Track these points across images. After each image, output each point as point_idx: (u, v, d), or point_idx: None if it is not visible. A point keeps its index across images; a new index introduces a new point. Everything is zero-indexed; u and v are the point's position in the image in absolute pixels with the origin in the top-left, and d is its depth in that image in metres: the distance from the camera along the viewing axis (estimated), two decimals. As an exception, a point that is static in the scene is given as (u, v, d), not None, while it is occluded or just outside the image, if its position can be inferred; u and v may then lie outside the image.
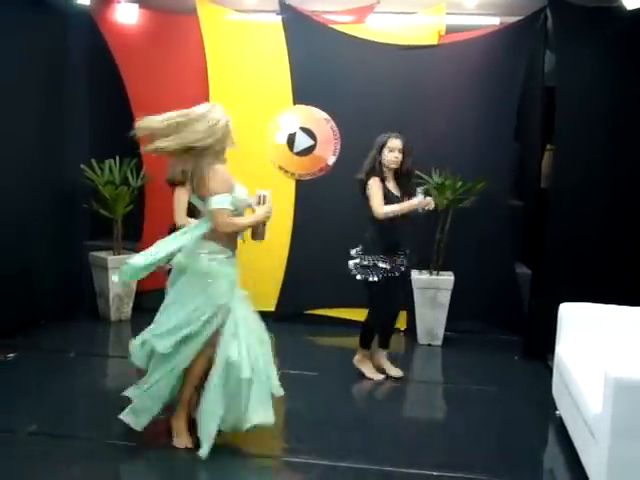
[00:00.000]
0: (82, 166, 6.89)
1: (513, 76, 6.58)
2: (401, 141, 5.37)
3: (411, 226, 5.49)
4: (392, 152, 5.35)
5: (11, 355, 5.86)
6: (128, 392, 4.32)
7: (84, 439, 4.37)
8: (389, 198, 5.35)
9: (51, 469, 3.98)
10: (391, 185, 5.43)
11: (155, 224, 6.60)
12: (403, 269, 5.48)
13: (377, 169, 5.36)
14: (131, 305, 7.08)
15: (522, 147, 7.22)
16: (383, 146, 5.37)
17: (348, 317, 6.69)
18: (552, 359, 5.09)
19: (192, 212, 5.02)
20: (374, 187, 5.32)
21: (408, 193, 5.42)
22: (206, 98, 6.97)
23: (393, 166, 5.38)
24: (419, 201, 5.31)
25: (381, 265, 5.33)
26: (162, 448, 4.22)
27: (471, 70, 6.70)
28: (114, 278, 4.51)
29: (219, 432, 4.13)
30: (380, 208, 5.27)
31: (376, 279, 5.34)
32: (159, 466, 4.17)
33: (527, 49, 6.57)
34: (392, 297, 5.51)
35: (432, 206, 5.40)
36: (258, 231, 4.37)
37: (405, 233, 5.45)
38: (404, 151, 5.37)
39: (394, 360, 5.78)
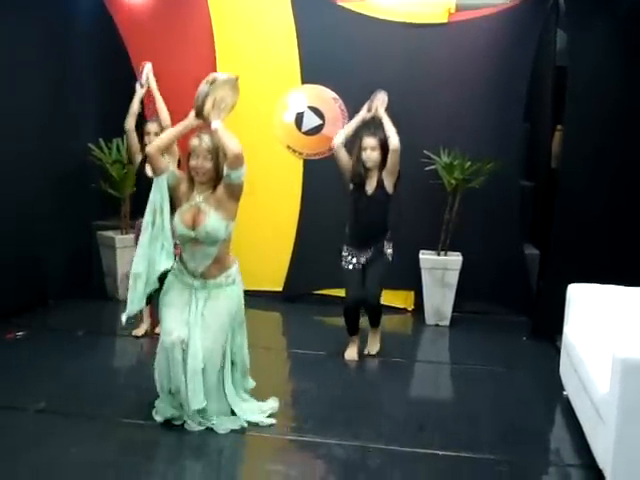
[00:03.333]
0: (90, 145, 6.89)
1: (524, 55, 6.51)
2: (374, 138, 5.32)
3: (381, 227, 5.46)
4: (364, 151, 5.34)
5: (20, 334, 5.89)
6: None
7: (92, 417, 4.39)
8: (361, 202, 5.38)
9: (59, 447, 3.99)
10: (370, 184, 5.40)
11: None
12: (361, 265, 5.46)
13: (358, 170, 5.38)
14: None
15: (532, 127, 7.18)
16: (359, 145, 5.38)
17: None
18: (560, 340, 5.09)
19: None
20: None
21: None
22: (214, 76, 6.96)
23: (368, 165, 5.36)
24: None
25: (344, 254, 5.50)
26: (170, 426, 4.24)
27: (481, 49, 6.64)
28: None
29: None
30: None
31: (343, 266, 5.50)
32: (167, 443, 4.19)
33: (538, 28, 6.50)
34: (352, 285, 5.49)
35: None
36: None
37: (367, 231, 5.42)
38: (381, 148, 5.32)
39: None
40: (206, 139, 4.11)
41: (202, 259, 4.20)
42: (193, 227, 4.14)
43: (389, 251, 5.49)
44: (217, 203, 4.18)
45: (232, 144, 4.04)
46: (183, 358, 4.13)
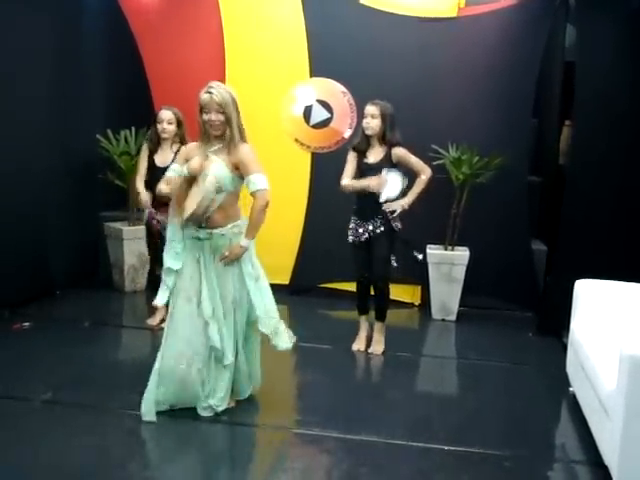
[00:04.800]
0: (98, 136, 6.89)
1: (533, 50, 6.48)
2: (375, 106, 5.31)
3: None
4: (365, 118, 5.35)
5: (27, 324, 5.90)
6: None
7: (98, 408, 4.40)
8: (363, 170, 5.39)
9: (65, 437, 4.01)
10: (373, 154, 5.40)
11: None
12: (367, 236, 5.40)
13: (361, 138, 5.42)
14: (146, 276, 7.09)
15: (540, 123, 7.16)
16: (363, 113, 5.42)
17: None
18: (566, 336, 5.09)
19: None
20: (347, 158, 5.45)
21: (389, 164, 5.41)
22: (222, 68, 6.97)
23: (367, 132, 5.35)
24: (369, 182, 5.27)
25: (351, 226, 5.47)
26: (174, 417, 4.26)
27: (490, 43, 6.61)
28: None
29: None
30: (342, 179, 5.40)
31: (349, 240, 5.47)
32: (171, 435, 4.20)
33: (547, 23, 6.47)
34: (358, 262, 5.53)
35: (378, 189, 5.28)
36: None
37: (370, 199, 5.36)
38: (382, 118, 5.31)
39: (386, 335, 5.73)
40: (216, 93, 4.08)
41: None
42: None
43: (396, 223, 5.45)
44: (227, 158, 4.18)
45: (262, 218, 4.22)
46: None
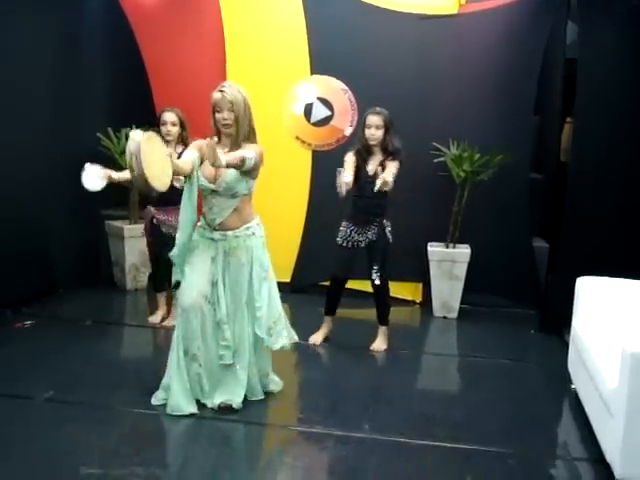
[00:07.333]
0: (98, 135, 6.88)
1: (534, 47, 6.48)
2: (379, 117, 5.29)
3: (383, 203, 5.40)
4: (369, 129, 5.31)
5: (28, 323, 5.91)
6: None
7: (99, 406, 4.40)
8: (361, 177, 5.33)
9: (67, 435, 4.01)
10: (372, 163, 5.36)
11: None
12: (364, 244, 5.45)
13: (362, 147, 5.35)
14: (147, 274, 7.09)
15: (542, 120, 7.14)
16: (364, 122, 5.35)
17: (363, 288, 6.63)
18: (568, 333, 5.08)
19: None
20: (346, 159, 5.34)
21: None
22: (223, 66, 6.96)
23: (371, 142, 5.32)
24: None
25: (343, 229, 5.49)
26: (177, 415, 4.25)
27: (491, 40, 6.60)
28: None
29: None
30: (345, 176, 5.10)
31: (339, 242, 5.49)
32: (173, 431, 4.22)
33: (549, 20, 6.46)
34: (341, 261, 5.55)
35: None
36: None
37: (369, 209, 5.39)
38: (385, 127, 5.29)
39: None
40: (228, 92, 4.13)
41: (220, 211, 4.26)
42: (214, 180, 4.20)
43: (388, 229, 5.45)
44: None
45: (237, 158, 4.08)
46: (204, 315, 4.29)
